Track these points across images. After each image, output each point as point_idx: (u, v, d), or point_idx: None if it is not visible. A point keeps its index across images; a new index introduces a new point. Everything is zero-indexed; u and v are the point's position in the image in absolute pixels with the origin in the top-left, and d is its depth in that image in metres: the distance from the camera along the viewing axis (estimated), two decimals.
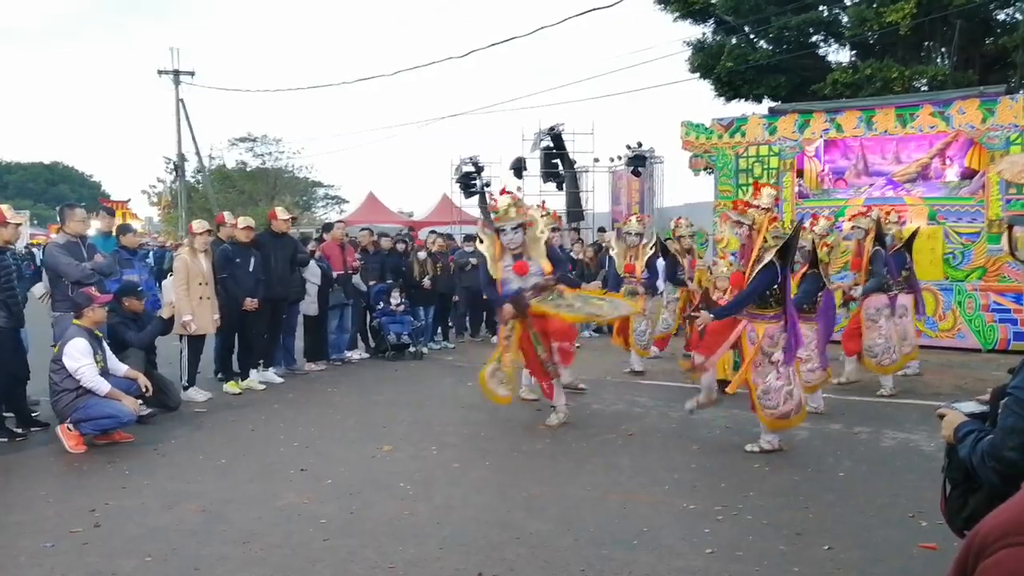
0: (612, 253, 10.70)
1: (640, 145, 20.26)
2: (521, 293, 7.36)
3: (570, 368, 7.96)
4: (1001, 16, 20.81)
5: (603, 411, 8.33)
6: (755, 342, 6.54)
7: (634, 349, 10.31)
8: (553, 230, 9.07)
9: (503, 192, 7.76)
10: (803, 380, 7.35)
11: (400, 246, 13.04)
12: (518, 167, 21.95)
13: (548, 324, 7.45)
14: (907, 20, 18.51)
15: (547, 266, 7.51)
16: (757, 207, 6.52)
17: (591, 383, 9.46)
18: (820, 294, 8.11)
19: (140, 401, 7.20)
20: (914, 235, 9.85)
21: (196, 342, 8.94)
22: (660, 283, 11.09)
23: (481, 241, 7.77)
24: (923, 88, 18.79)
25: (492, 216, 7.56)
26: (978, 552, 0.71)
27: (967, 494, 2.46)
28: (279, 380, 9.94)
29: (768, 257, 6.31)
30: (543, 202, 8.94)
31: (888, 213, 9.81)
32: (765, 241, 6.38)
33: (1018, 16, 19.93)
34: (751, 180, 13.90)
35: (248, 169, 43.59)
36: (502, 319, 7.60)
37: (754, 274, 6.37)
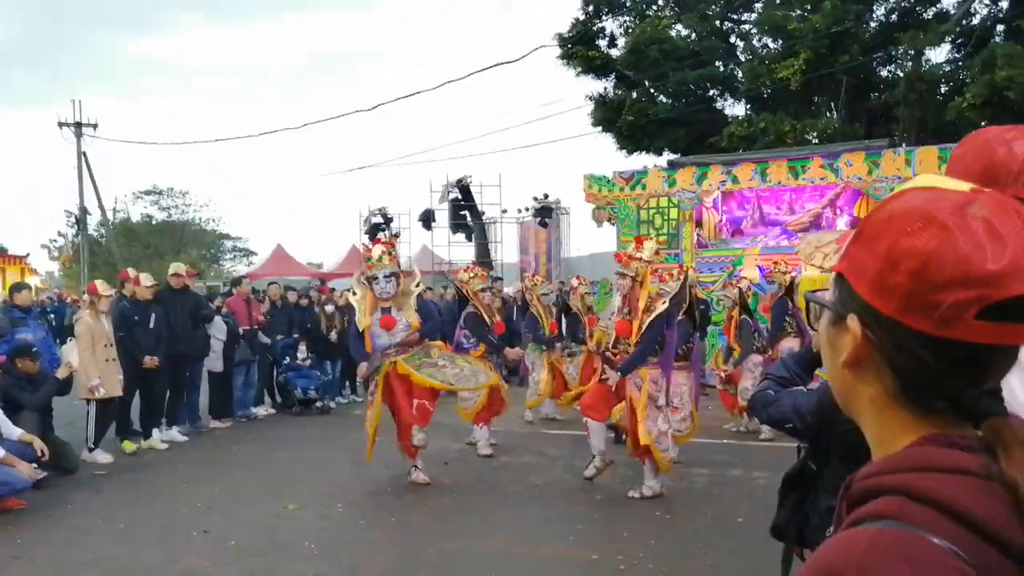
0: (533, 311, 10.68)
1: (546, 196, 20.66)
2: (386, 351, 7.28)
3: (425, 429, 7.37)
4: (884, 73, 22.04)
5: (510, 463, 8.41)
6: (641, 388, 6.65)
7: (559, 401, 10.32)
8: (484, 290, 9.22)
9: (376, 241, 7.74)
10: (674, 430, 7.51)
11: (304, 300, 12.94)
12: (427, 219, 22.14)
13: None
14: (797, 76, 19.47)
15: (415, 320, 7.38)
16: (639, 259, 6.76)
17: (498, 434, 9.37)
18: (691, 341, 8.26)
19: (35, 465, 6.97)
20: (792, 283, 10.27)
21: (104, 405, 8.66)
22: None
23: (354, 293, 7.60)
24: (814, 140, 19.68)
25: (365, 263, 7.48)
26: None
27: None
28: (183, 438, 9.73)
29: (661, 308, 6.60)
30: (473, 262, 9.02)
31: (776, 263, 10.31)
32: (650, 295, 6.66)
33: (899, 73, 21.12)
34: (652, 231, 14.33)
35: (154, 222, 42.78)
36: (361, 376, 7.59)
37: (647, 324, 6.60)
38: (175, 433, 9.73)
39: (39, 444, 7.04)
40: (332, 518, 6.51)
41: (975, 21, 20.86)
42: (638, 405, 6.62)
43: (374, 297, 7.30)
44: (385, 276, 7.23)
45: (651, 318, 6.61)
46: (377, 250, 7.39)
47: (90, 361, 8.38)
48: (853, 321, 0.87)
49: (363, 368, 7.39)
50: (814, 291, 1.09)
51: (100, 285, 8.98)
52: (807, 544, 2.60)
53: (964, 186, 0.84)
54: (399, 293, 7.35)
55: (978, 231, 0.79)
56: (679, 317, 7.99)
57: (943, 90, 20.30)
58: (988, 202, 0.82)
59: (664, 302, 6.65)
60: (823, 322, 0.96)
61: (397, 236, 7.74)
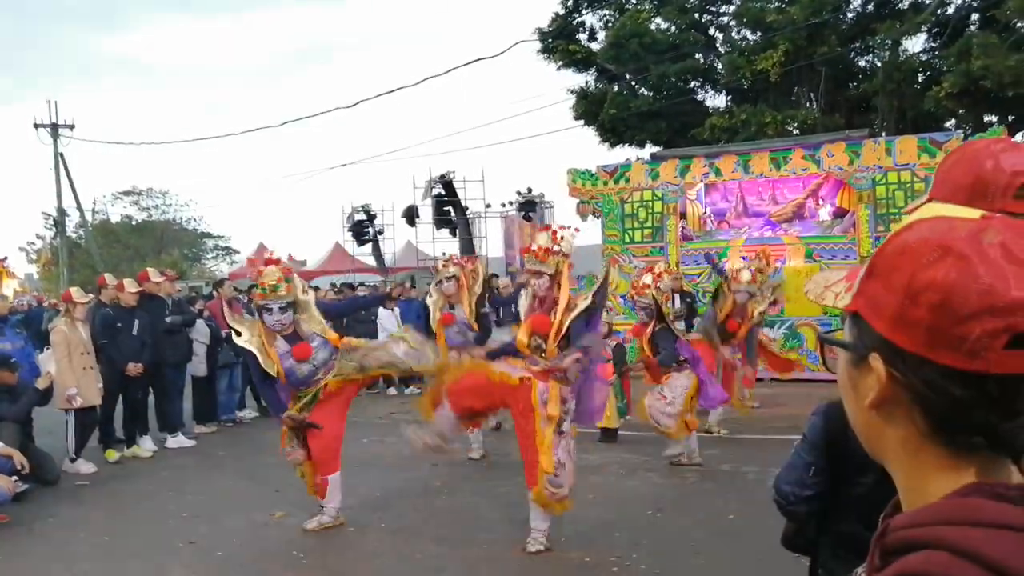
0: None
1: (530, 191, 20.66)
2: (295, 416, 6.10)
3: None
4: (862, 63, 22.12)
5: (500, 462, 8.33)
6: (547, 403, 5.51)
7: None
8: (448, 278, 9.06)
9: (269, 262, 6.15)
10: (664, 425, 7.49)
11: None
12: (411, 215, 22.10)
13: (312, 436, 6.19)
14: (776, 68, 19.50)
15: (331, 333, 6.21)
16: (558, 253, 5.78)
17: (486, 433, 9.36)
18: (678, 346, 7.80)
19: (15, 477, 6.85)
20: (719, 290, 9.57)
21: (83, 414, 8.50)
22: None
23: (239, 334, 6.05)
24: (795, 131, 19.73)
25: (257, 291, 6.08)
26: None
27: None
28: (190, 443, 9.73)
29: (583, 304, 5.65)
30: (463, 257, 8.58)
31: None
32: (570, 292, 5.79)
33: (877, 63, 21.20)
34: (636, 224, 14.32)
35: (134, 223, 42.47)
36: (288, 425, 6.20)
37: (572, 319, 5.59)
38: (182, 438, 9.72)
39: (19, 457, 6.89)
40: None
41: (950, 11, 20.94)
42: (540, 427, 5.50)
43: (267, 330, 5.96)
44: (280, 307, 5.89)
45: (571, 317, 5.57)
46: (272, 275, 5.89)
47: (67, 370, 8.20)
48: (876, 360, 0.83)
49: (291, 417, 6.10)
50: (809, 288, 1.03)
51: (75, 292, 8.81)
52: (819, 561, 2.55)
53: (974, 213, 0.82)
54: (298, 320, 6.07)
55: (997, 258, 0.76)
56: (658, 327, 7.64)
57: (920, 79, 20.38)
58: (1001, 227, 0.79)
59: (586, 298, 5.73)
60: (841, 363, 0.92)
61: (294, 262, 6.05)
